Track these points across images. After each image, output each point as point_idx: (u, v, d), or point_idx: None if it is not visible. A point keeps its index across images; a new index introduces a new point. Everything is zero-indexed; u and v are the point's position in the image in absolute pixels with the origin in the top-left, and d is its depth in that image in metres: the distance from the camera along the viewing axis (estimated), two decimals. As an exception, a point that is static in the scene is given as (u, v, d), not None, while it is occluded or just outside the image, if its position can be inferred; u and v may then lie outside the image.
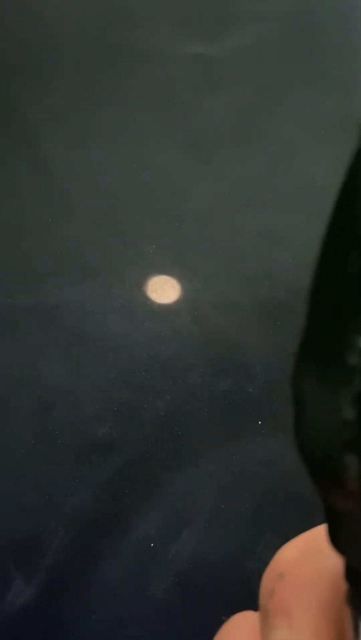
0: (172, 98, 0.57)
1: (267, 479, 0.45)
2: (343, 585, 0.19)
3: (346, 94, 0.58)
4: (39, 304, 0.50)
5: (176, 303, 0.50)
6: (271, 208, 0.53)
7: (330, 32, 0.60)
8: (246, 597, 0.44)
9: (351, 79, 0.58)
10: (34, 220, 0.53)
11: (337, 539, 0.17)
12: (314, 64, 0.59)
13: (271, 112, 0.57)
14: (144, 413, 0.47)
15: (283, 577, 0.20)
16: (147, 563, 0.44)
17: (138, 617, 0.44)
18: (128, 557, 0.45)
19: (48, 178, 0.54)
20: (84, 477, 0.46)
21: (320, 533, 0.21)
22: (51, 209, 0.53)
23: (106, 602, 0.44)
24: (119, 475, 0.46)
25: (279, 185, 0.54)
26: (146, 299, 0.50)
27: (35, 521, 0.45)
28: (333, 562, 0.20)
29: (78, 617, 0.44)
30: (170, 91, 0.58)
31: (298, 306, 0.51)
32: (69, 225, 0.53)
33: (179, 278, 0.51)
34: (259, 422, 0.46)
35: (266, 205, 0.53)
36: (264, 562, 0.45)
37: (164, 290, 0.51)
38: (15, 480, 0.46)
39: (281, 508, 0.45)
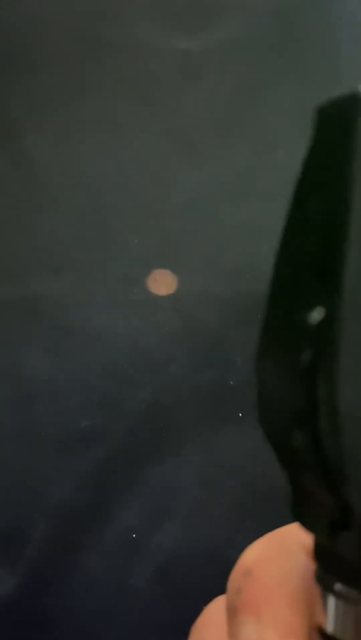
0: (155, 92, 0.57)
1: (248, 469, 0.46)
2: (311, 572, 0.19)
3: (329, 88, 0.58)
4: (21, 297, 0.50)
5: (159, 296, 0.50)
6: (254, 201, 0.53)
7: (313, 26, 0.60)
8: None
9: (334, 73, 0.58)
10: (16, 213, 0.53)
11: (302, 516, 0.17)
12: (298, 57, 0.59)
13: (255, 106, 0.57)
14: (126, 405, 0.47)
15: (249, 575, 0.20)
16: (130, 553, 0.45)
17: (120, 607, 0.44)
18: (110, 548, 0.45)
19: (30, 171, 0.54)
20: (66, 468, 0.46)
21: (284, 532, 0.21)
22: (33, 202, 0.53)
23: (88, 593, 0.44)
24: (101, 467, 0.46)
25: (262, 178, 0.54)
26: (129, 291, 0.50)
27: (17, 512, 0.45)
28: (298, 559, 0.20)
29: (60, 608, 0.44)
30: (153, 85, 0.58)
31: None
32: (52, 218, 0.53)
33: (162, 271, 0.51)
34: (240, 414, 0.46)
35: (249, 198, 0.54)
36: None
37: (146, 282, 0.51)
38: (-2, 472, 0.46)
39: (262, 498, 0.45)
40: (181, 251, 0.52)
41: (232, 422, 0.47)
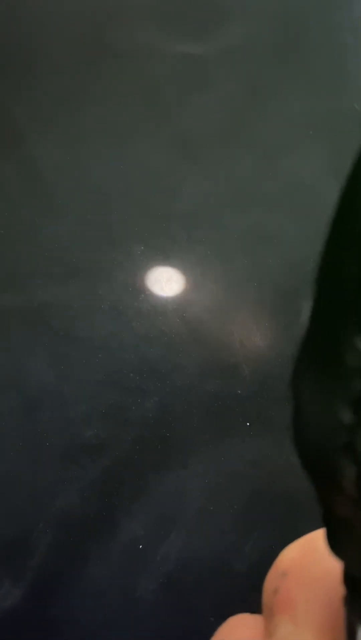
0: (160, 97, 0.57)
1: (255, 479, 0.45)
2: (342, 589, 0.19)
3: (335, 94, 0.58)
4: (26, 305, 0.50)
5: (164, 304, 0.50)
6: (259, 207, 0.53)
7: (319, 31, 0.60)
8: (235, 598, 0.44)
9: (340, 79, 0.58)
10: (20, 220, 0.53)
11: (334, 543, 0.16)
12: (303, 63, 0.59)
13: (260, 111, 0.57)
14: (131, 414, 0.47)
15: (286, 576, 0.20)
16: (135, 564, 0.44)
17: (126, 618, 0.44)
18: (116, 559, 0.44)
19: (35, 178, 0.54)
20: (71, 478, 0.46)
21: (320, 536, 0.21)
22: (38, 208, 0.53)
23: (94, 604, 0.44)
24: (106, 477, 0.46)
25: (267, 185, 0.54)
26: (134, 299, 0.50)
27: (23, 522, 0.45)
28: (334, 562, 0.20)
29: (66, 619, 0.43)
30: (158, 90, 0.57)
31: (285, 306, 0.51)
32: (56, 225, 0.52)
33: (167, 278, 0.51)
34: (248, 424, 0.46)
35: (254, 204, 0.53)
36: (252, 563, 0.45)
37: (152, 290, 0.51)
38: (2, 482, 0.46)
39: (269, 508, 0.45)
40: (186, 259, 0.52)
41: (238, 432, 0.46)
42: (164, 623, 0.43)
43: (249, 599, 0.43)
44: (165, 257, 0.52)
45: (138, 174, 0.54)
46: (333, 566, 0.20)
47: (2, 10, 0.59)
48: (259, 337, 0.49)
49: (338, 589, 0.19)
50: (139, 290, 0.51)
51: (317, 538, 0.21)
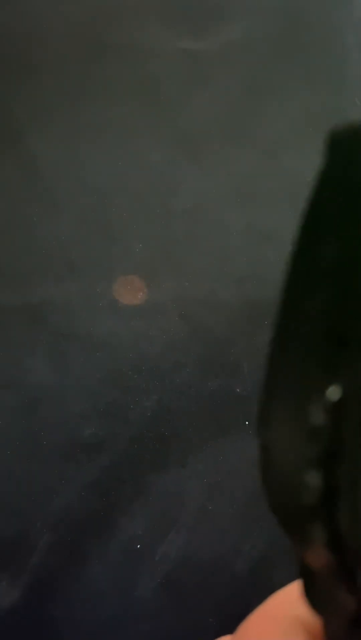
0: (160, 94, 0.57)
1: (255, 478, 0.45)
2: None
3: (335, 91, 0.57)
4: (25, 303, 0.50)
5: (164, 302, 0.50)
6: (259, 205, 0.53)
7: (319, 28, 0.60)
8: (234, 597, 0.44)
9: (340, 76, 0.58)
10: (19, 218, 0.52)
11: (316, 603, 0.15)
12: (303, 60, 0.59)
13: (260, 109, 0.57)
14: (130, 413, 0.47)
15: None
16: (134, 564, 0.44)
17: (125, 618, 0.44)
18: (115, 558, 0.44)
19: (34, 175, 0.54)
20: (70, 477, 0.45)
21: (276, 607, 0.20)
22: (37, 206, 0.53)
23: (93, 603, 0.44)
24: (105, 476, 0.46)
25: (267, 183, 0.54)
26: (133, 297, 0.50)
27: (22, 522, 0.45)
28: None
29: (64, 618, 0.43)
30: (158, 87, 0.57)
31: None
32: (55, 222, 0.52)
33: (167, 276, 0.51)
34: (247, 422, 0.46)
35: (254, 202, 0.53)
36: (252, 562, 0.45)
37: (151, 288, 0.50)
38: (1, 480, 0.45)
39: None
40: (185, 257, 0.52)
41: (238, 430, 0.46)
42: (163, 622, 0.43)
43: (247, 598, 0.42)
44: (164, 255, 0.52)
45: (137, 171, 0.54)
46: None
47: (2, 8, 0.59)
48: (258, 334, 0.49)
49: None
50: (139, 288, 0.50)
51: (273, 612, 0.20)
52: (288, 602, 0.19)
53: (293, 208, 0.53)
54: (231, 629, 0.21)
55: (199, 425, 0.47)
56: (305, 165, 0.52)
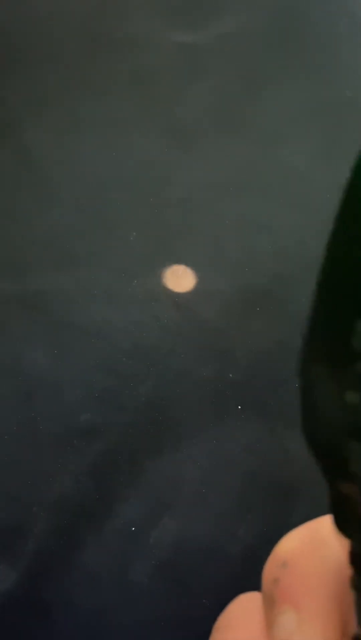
0: (155, 86, 0.57)
1: (249, 463, 0.46)
2: (347, 575, 0.19)
3: (329, 83, 0.58)
4: (22, 292, 0.50)
5: (158, 290, 0.50)
6: (253, 195, 0.54)
7: (314, 21, 0.61)
8: (228, 581, 0.44)
9: (334, 68, 0.58)
10: (16, 208, 0.53)
11: (342, 523, 0.17)
12: (298, 52, 0.59)
13: (255, 100, 0.57)
14: (126, 399, 0.47)
15: (287, 566, 0.20)
16: (129, 548, 0.45)
17: (120, 601, 0.44)
18: (111, 542, 0.45)
19: (31, 166, 0.54)
20: (66, 463, 0.46)
21: (321, 524, 0.21)
22: (33, 197, 0.53)
23: (88, 587, 0.44)
24: (101, 461, 0.46)
25: (261, 173, 0.54)
26: (128, 286, 0.51)
27: (18, 507, 0.45)
28: (336, 552, 0.20)
29: (60, 602, 0.44)
30: (153, 79, 0.58)
31: (278, 292, 0.51)
32: (52, 213, 0.53)
33: (161, 265, 0.51)
34: (240, 407, 0.46)
35: (248, 192, 0.54)
36: (246, 547, 0.46)
37: (146, 277, 0.51)
38: (-2, 467, 0.46)
39: (263, 492, 0.45)
40: (180, 245, 0.52)
41: (233, 417, 0.47)
42: (159, 606, 0.44)
43: (242, 582, 0.43)
44: (159, 244, 0.52)
45: (133, 162, 0.55)
46: (334, 556, 0.20)
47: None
48: (252, 322, 0.49)
49: (340, 581, 0.20)
50: (133, 277, 0.51)
51: (317, 528, 0.21)
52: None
53: (287, 198, 0.53)
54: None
55: (193, 410, 0.47)
56: (299, 156, 0.53)
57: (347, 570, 0.18)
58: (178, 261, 0.51)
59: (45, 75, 0.57)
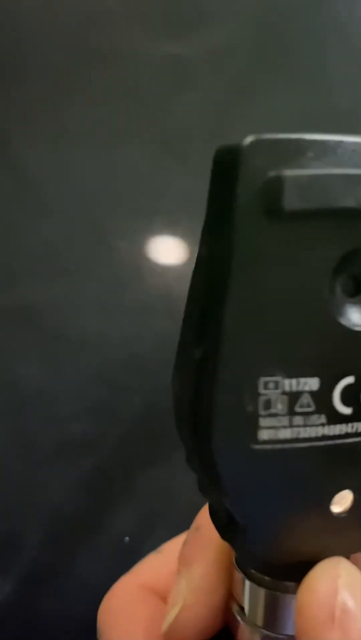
0: (144, 98, 0.58)
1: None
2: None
3: (317, 92, 0.58)
4: (14, 304, 0.51)
5: (151, 301, 0.51)
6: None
7: (303, 31, 0.61)
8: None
9: (322, 78, 0.59)
10: (7, 222, 0.53)
11: (210, 513, 0.21)
12: (286, 62, 0.60)
13: (244, 110, 0.58)
14: (119, 410, 0.48)
15: (198, 530, 0.23)
16: (123, 557, 0.45)
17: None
18: (104, 554, 0.45)
19: (21, 179, 0.55)
20: (59, 474, 0.46)
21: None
22: (24, 209, 0.53)
23: (83, 598, 0.44)
24: (95, 473, 0.46)
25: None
26: (121, 297, 0.51)
27: (12, 518, 0.45)
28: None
29: (55, 613, 0.44)
30: (143, 91, 0.58)
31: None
32: (43, 225, 0.53)
33: (154, 276, 0.52)
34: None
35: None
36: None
37: (138, 288, 0.51)
38: (-8, 479, 0.46)
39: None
40: (172, 256, 0.52)
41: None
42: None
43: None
44: (151, 255, 0.52)
45: (124, 174, 0.55)
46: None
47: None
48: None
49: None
50: (125, 288, 0.51)
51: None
52: None
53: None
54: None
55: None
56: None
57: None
58: (172, 272, 0.52)
59: (36, 88, 0.58)
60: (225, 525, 0.19)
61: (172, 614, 0.22)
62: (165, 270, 0.52)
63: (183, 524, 0.46)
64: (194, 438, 0.18)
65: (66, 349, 0.49)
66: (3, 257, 0.52)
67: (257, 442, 0.17)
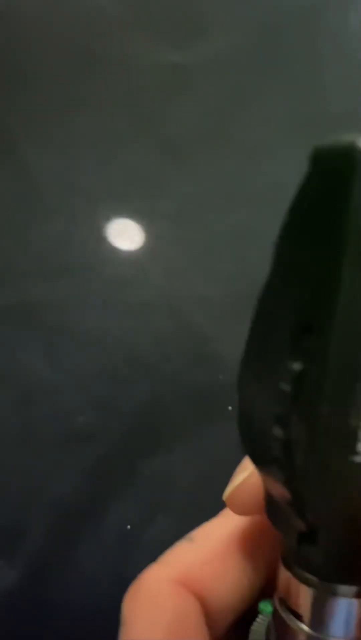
0: (146, 104, 0.58)
1: (238, 461, 0.46)
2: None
3: (312, 98, 0.59)
4: (20, 302, 0.51)
5: (152, 299, 0.51)
6: (241, 207, 0.54)
7: (296, 40, 0.62)
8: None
9: (317, 84, 0.60)
10: (13, 222, 0.54)
11: (274, 518, 0.19)
12: (282, 70, 0.60)
13: (242, 116, 0.58)
14: (121, 403, 0.48)
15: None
16: (126, 547, 0.45)
17: (117, 598, 0.45)
18: (107, 542, 0.45)
19: (27, 181, 0.55)
20: (63, 465, 0.47)
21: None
22: (30, 210, 0.54)
23: (86, 585, 0.45)
24: (97, 464, 0.47)
25: (249, 185, 0.55)
26: (123, 294, 0.51)
27: (16, 508, 0.46)
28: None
29: (58, 600, 0.44)
30: (144, 97, 0.59)
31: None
32: (47, 225, 0.54)
33: (155, 275, 0.52)
34: (230, 408, 0.47)
35: (237, 204, 0.55)
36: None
37: (140, 286, 0.52)
38: (-2, 469, 0.47)
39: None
40: (173, 256, 0.53)
41: (222, 416, 0.47)
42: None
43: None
44: (152, 255, 0.53)
45: (125, 177, 0.56)
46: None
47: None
48: (242, 328, 0.50)
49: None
50: (128, 286, 0.52)
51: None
52: None
53: (274, 208, 0.54)
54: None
55: (186, 413, 0.48)
56: (284, 168, 0.54)
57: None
58: (172, 272, 0.52)
59: (42, 95, 0.59)
60: (297, 537, 0.18)
61: (239, 477, 0.22)
62: (166, 270, 0.52)
63: (183, 513, 0.46)
64: (288, 452, 0.16)
65: (70, 344, 0.50)
66: (8, 257, 0.53)
67: (356, 454, 0.16)
